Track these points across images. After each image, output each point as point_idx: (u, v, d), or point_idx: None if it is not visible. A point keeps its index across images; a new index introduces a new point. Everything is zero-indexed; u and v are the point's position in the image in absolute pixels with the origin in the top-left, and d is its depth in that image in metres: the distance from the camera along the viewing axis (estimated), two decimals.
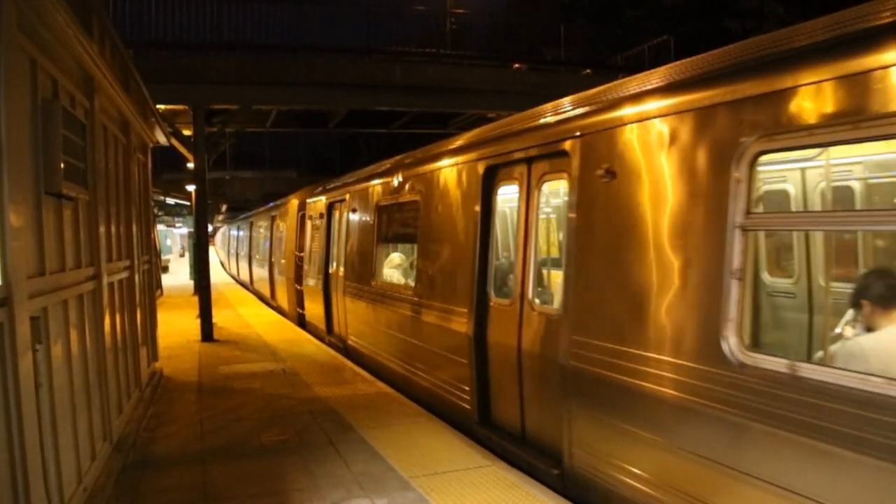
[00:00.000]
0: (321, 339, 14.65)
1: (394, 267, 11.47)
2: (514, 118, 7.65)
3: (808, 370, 3.63)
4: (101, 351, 6.46)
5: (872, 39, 3.47)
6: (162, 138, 12.53)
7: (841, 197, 6.28)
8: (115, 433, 7.09)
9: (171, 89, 14.46)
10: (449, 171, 8.56)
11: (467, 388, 7.66)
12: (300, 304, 17.56)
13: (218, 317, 16.87)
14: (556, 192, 7.30)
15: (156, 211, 40.72)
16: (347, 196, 13.12)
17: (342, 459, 6.82)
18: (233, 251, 39.02)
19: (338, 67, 16.71)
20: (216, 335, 15.15)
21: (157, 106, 10.98)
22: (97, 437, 6.24)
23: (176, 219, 53.81)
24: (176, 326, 16.71)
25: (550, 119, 6.49)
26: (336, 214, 14.14)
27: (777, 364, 3.79)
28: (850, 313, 4.82)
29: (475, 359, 7.44)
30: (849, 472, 3.34)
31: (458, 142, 8.89)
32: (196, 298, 16.71)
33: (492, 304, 7.36)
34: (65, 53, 5.55)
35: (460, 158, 8.28)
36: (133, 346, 8.68)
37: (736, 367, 3.99)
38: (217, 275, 37.07)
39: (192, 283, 25.49)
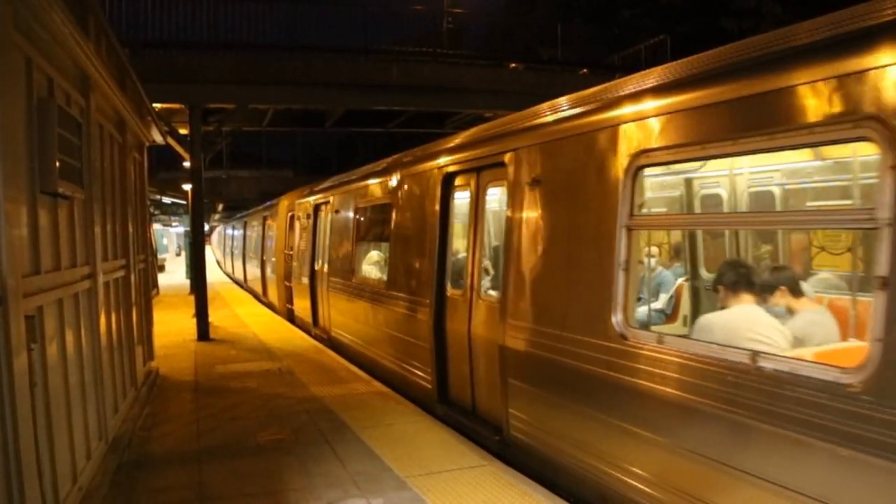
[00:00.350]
0: (308, 332, 15.58)
1: (372, 264, 12.17)
2: (470, 132, 8.76)
3: (669, 340, 4.77)
4: (96, 350, 6.45)
5: (672, 89, 4.87)
6: (158, 137, 12.50)
7: (713, 203, 7.98)
8: (111, 432, 7.08)
9: (168, 88, 14.47)
10: (415, 177, 9.65)
11: (429, 370, 8.68)
12: (289, 300, 18.37)
13: (214, 316, 16.84)
14: (498, 197, 8.06)
15: (152, 210, 40.66)
16: (331, 198, 14.13)
17: (338, 459, 6.82)
18: (228, 250, 40.23)
19: (335, 67, 16.72)
20: (212, 334, 15.13)
21: (154, 105, 10.97)
22: (93, 436, 6.23)
23: (172, 218, 53.69)
24: (172, 326, 16.68)
25: (494, 134, 7.62)
26: (321, 215, 14.95)
27: (650, 337, 4.90)
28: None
29: (435, 344, 8.47)
30: (696, 414, 4.41)
31: (423, 151, 9.86)
32: (192, 297, 16.69)
33: (448, 294, 8.40)
34: (60, 52, 5.54)
35: (425, 166, 9.28)
36: (129, 345, 8.67)
37: (621, 340, 5.07)
38: (213, 274, 37.05)
39: (188, 282, 25.46)
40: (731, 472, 4.10)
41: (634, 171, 5.06)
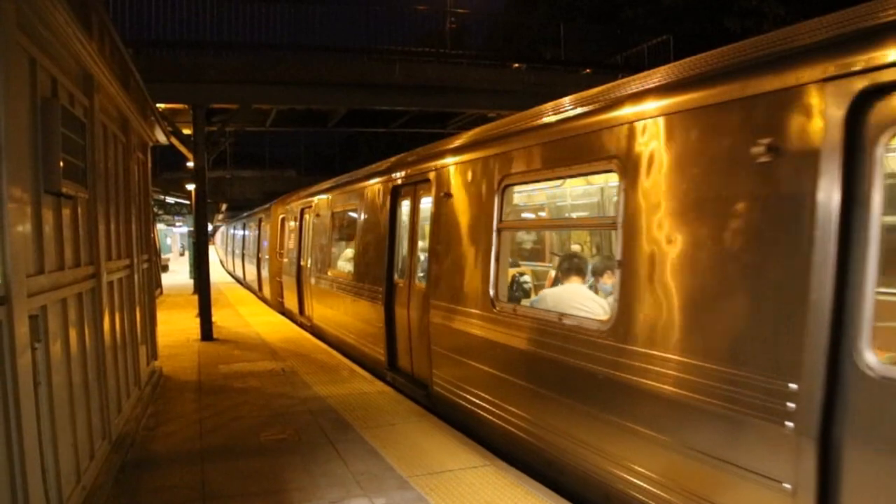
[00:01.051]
0: (294, 321, 18.09)
1: (346, 260, 13.86)
2: (414, 152, 10.58)
3: (520, 308, 7.01)
4: (100, 349, 6.46)
5: (500, 140, 7.34)
6: (162, 137, 12.52)
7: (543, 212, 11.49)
8: (115, 432, 7.09)
9: (171, 88, 14.48)
10: (373, 188, 11.83)
11: (382, 345, 10.74)
12: (280, 294, 20.63)
13: (217, 316, 16.88)
14: (428, 205, 9.57)
15: (155, 210, 40.77)
16: (313, 203, 16.49)
17: (341, 458, 6.83)
18: (229, 250, 42.49)
19: (338, 67, 16.72)
20: (216, 334, 15.16)
21: (157, 105, 10.98)
22: (96, 435, 6.24)
23: (176, 218, 53.77)
24: (175, 325, 16.73)
25: (426, 155, 9.56)
26: (306, 218, 17.14)
27: (508, 306, 7.06)
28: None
29: (386, 323, 10.56)
30: (532, 355, 6.45)
31: (378, 167, 12.05)
32: (196, 297, 16.71)
33: (395, 282, 10.48)
34: (64, 52, 5.55)
35: (380, 179, 11.47)
36: (132, 344, 8.68)
37: (492, 309, 7.12)
38: (217, 274, 37.09)
39: (191, 282, 25.53)
40: (546, 392, 6.20)
41: (502, 189, 7.11)
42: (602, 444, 5.38)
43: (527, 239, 12.39)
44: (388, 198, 10.75)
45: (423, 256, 9.67)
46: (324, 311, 14.96)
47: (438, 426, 7.93)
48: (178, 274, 38.30)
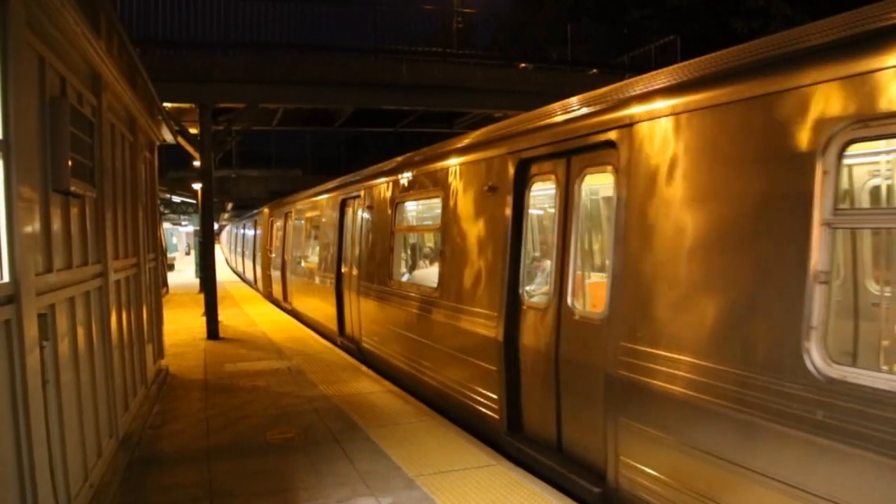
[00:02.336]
0: (278, 305, 21.71)
1: (314, 256, 16.95)
2: (355, 174, 14.40)
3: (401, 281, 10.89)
4: (107, 348, 6.48)
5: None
6: (169, 136, 12.56)
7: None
8: (121, 430, 7.11)
9: (178, 87, 14.49)
10: (328, 200, 15.71)
11: (335, 319, 14.37)
12: (269, 285, 24.24)
13: (223, 315, 16.91)
14: (360, 215, 13.27)
15: (162, 209, 40.77)
16: (293, 209, 20.19)
17: (347, 458, 6.84)
18: (232, 248, 46.50)
19: (344, 66, 16.71)
20: (222, 333, 15.19)
21: (164, 104, 11.01)
22: (103, 433, 6.26)
23: (182, 217, 53.82)
24: (182, 324, 16.77)
25: (358, 179, 13.54)
26: (290, 220, 20.72)
27: (400, 281, 10.82)
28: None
29: (336, 300, 14.26)
30: (417, 321, 9.56)
31: (331, 183, 15.89)
32: (202, 296, 16.73)
33: (342, 272, 14.04)
34: (73, 51, 5.57)
35: (333, 194, 15.19)
36: (139, 343, 8.70)
37: (390, 283, 10.88)
38: (223, 273, 37.14)
39: (197, 281, 25.58)
40: (409, 333, 9.67)
41: (395, 205, 10.72)
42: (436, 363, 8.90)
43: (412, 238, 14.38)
44: (338, 207, 14.45)
45: (358, 251, 12.86)
46: (300, 297, 18.65)
47: (445, 425, 7.93)
48: (184, 273, 38.38)
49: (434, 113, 19.45)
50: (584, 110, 6.16)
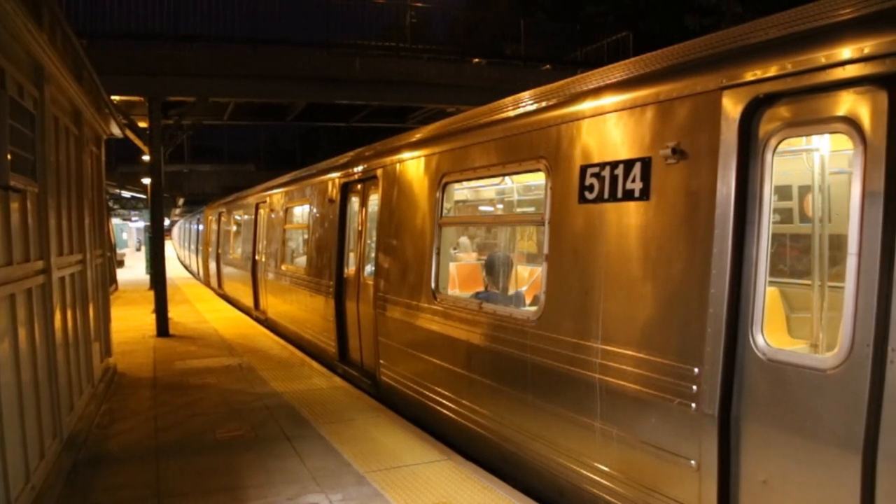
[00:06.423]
0: (214, 291, 25.33)
1: (237, 248, 20.88)
2: (263, 185, 17.95)
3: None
4: (50, 347, 6.34)
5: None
6: (116, 130, 12.31)
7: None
8: (66, 431, 6.96)
9: (127, 80, 14.26)
10: (253, 200, 18.27)
11: (251, 297, 17.78)
12: (208, 274, 27.70)
13: (174, 312, 16.70)
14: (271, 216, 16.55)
15: (111, 204, 40.10)
16: (225, 209, 23.87)
17: (298, 455, 6.80)
18: (183, 244, 48.09)
19: (296, 60, 16.59)
20: (172, 330, 14.98)
21: (113, 97, 10.80)
22: (46, 434, 6.12)
23: (132, 212, 53.05)
24: (131, 322, 16.50)
25: (265, 187, 17.22)
26: (222, 219, 24.18)
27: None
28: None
29: (252, 280, 17.59)
30: (297, 294, 13.45)
31: (244, 192, 20.37)
32: (152, 293, 16.49)
33: (256, 260, 17.23)
34: (13, 42, 5.42)
35: (261, 195, 17.40)
36: (85, 341, 8.53)
37: (286, 268, 14.53)
38: (174, 270, 36.68)
39: (148, 277, 25.24)
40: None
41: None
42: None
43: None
44: (254, 210, 17.97)
45: (266, 244, 16.19)
46: (228, 282, 22.83)
47: (396, 420, 7.92)
48: (134, 269, 37.78)
49: (387, 108, 19.42)
50: (372, 159, 9.76)
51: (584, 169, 5.15)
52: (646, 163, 4.58)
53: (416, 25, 21.22)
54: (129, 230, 63.77)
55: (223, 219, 24.06)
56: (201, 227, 31.96)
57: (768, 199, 3.89)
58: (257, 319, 17.12)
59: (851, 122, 3.42)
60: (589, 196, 5.09)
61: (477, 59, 19.73)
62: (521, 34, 21.20)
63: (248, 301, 18.22)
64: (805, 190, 6.34)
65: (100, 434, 7.71)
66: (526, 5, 38.21)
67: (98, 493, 5.97)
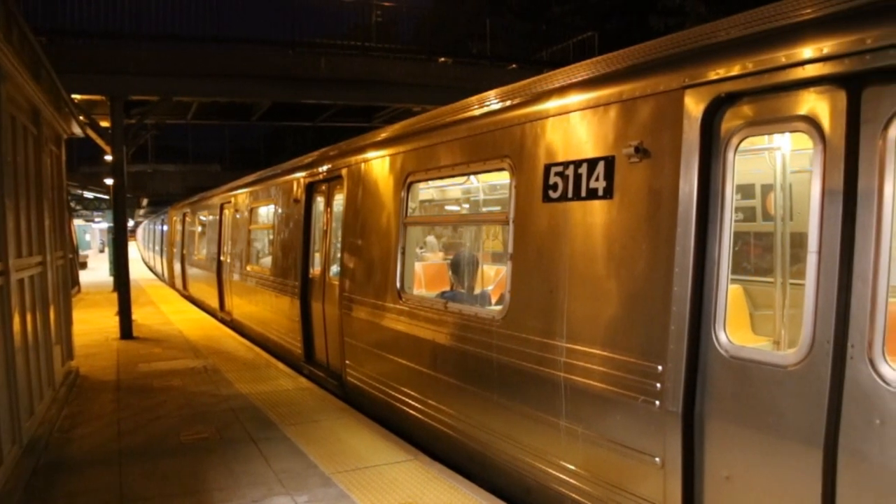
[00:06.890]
0: (177, 291, 25.91)
1: (201, 248, 21.12)
2: (227, 185, 18.22)
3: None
4: (9, 351, 6.22)
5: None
6: (77, 130, 12.11)
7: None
8: (26, 436, 6.84)
9: (88, 79, 14.06)
10: (218, 200, 18.37)
11: (216, 298, 17.78)
12: (172, 274, 28.27)
13: (138, 314, 16.51)
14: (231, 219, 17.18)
15: (73, 205, 39.53)
16: (189, 210, 23.92)
17: (263, 457, 6.75)
18: (147, 245, 48.80)
19: (261, 59, 16.49)
20: (136, 332, 14.79)
21: (73, 96, 10.63)
22: (5, 440, 6.01)
23: (95, 213, 52.31)
24: (94, 324, 16.28)
25: (218, 191, 18.39)
26: (187, 220, 24.28)
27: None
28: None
29: (217, 279, 17.57)
30: (260, 295, 13.66)
31: (214, 192, 19.97)
32: (115, 295, 16.26)
33: (221, 260, 17.14)
34: None
35: (226, 195, 17.50)
36: (46, 344, 8.39)
37: (250, 268, 14.55)
38: (138, 271, 36.25)
39: (112, 279, 24.91)
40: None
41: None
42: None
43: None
44: (219, 211, 17.90)
45: (231, 244, 16.47)
46: (190, 281, 23.39)
47: (362, 421, 7.90)
48: (98, 271, 37.25)
49: (353, 107, 19.34)
50: (337, 159, 9.79)
51: (548, 168, 5.16)
52: (609, 161, 4.60)
53: (382, 24, 21.12)
54: (92, 231, 62.83)
55: (188, 219, 24.13)
56: (166, 227, 32.11)
57: (730, 198, 3.92)
58: (223, 321, 17.07)
59: (811, 121, 3.47)
60: (553, 195, 5.10)
61: (443, 59, 19.73)
62: (488, 33, 21.23)
63: (214, 302, 18.19)
64: (768, 188, 6.44)
65: (61, 439, 7.59)
66: (494, 5, 38.27)
67: (59, 499, 5.87)
